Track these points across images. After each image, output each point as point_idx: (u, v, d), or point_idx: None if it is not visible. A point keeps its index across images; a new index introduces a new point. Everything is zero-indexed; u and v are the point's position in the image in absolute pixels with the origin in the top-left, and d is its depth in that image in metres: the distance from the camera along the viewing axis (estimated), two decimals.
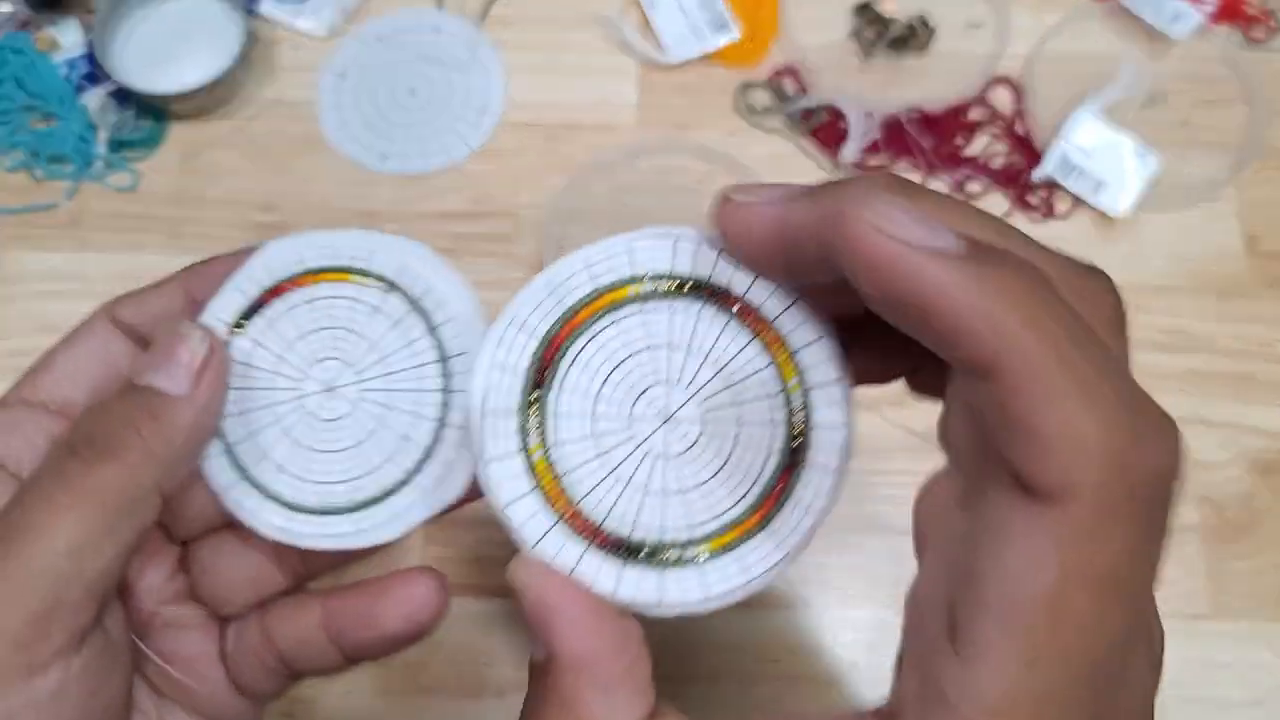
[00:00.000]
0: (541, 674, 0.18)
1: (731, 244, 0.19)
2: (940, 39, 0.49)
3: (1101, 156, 0.46)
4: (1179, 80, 0.48)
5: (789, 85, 0.49)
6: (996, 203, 0.46)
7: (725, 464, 0.19)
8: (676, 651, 0.39)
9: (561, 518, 0.19)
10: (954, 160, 0.47)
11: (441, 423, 0.22)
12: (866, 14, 0.49)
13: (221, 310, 0.23)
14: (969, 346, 0.15)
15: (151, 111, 0.47)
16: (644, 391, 0.20)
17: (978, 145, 0.47)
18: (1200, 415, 0.43)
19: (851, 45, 0.49)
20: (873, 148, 0.47)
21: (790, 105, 0.48)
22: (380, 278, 0.23)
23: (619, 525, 0.19)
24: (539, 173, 0.47)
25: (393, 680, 0.39)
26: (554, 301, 0.20)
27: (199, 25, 0.48)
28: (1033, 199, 0.46)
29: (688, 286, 0.20)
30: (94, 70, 0.47)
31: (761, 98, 0.48)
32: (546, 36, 0.49)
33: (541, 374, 0.20)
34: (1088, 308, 0.17)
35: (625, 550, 0.19)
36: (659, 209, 0.46)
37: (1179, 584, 0.40)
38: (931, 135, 0.47)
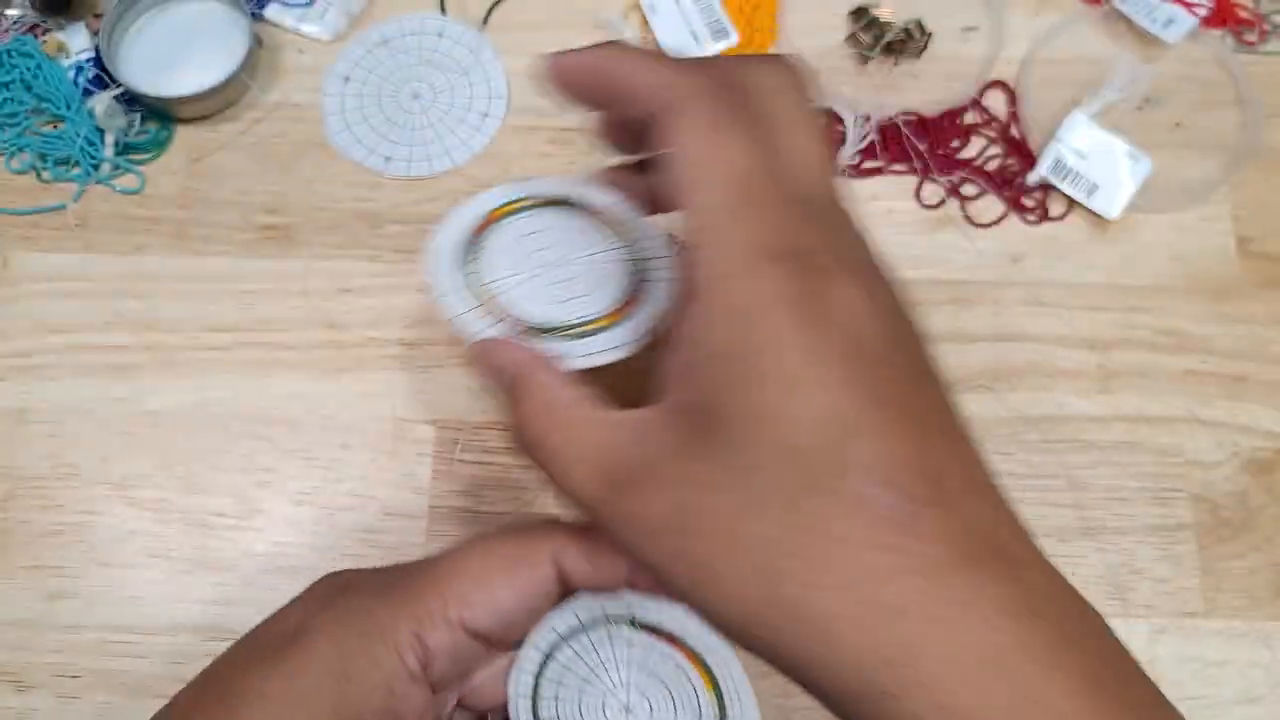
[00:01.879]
0: (520, 400, 0.26)
1: (554, 84, 0.27)
2: (936, 43, 0.50)
3: (1096, 159, 0.46)
4: (1172, 83, 0.49)
5: None
6: (992, 205, 0.47)
7: (598, 275, 0.29)
8: None
9: (498, 321, 0.28)
10: (950, 164, 0.47)
11: None
12: (863, 19, 0.50)
13: (559, 624, 0.29)
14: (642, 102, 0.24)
15: (158, 115, 0.48)
16: (534, 252, 0.30)
17: (973, 148, 0.48)
18: (1195, 415, 0.43)
19: (848, 50, 0.50)
20: (869, 151, 0.47)
21: None
22: (692, 650, 0.29)
23: (540, 320, 0.29)
24: (541, 175, 0.47)
25: None
26: (478, 210, 0.31)
27: (205, 30, 0.48)
28: (1028, 201, 0.47)
29: (558, 201, 0.31)
30: (101, 74, 0.47)
31: None
32: (548, 41, 0.50)
33: (475, 244, 0.30)
34: (758, 82, 0.24)
35: (543, 331, 0.29)
36: None
37: (1174, 582, 0.41)
38: (927, 139, 0.48)
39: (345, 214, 0.46)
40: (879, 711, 0.20)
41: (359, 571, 0.29)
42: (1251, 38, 0.50)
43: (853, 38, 0.50)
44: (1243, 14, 0.50)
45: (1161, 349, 0.44)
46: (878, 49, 0.49)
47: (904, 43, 0.49)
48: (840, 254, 0.23)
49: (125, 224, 0.46)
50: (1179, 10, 0.49)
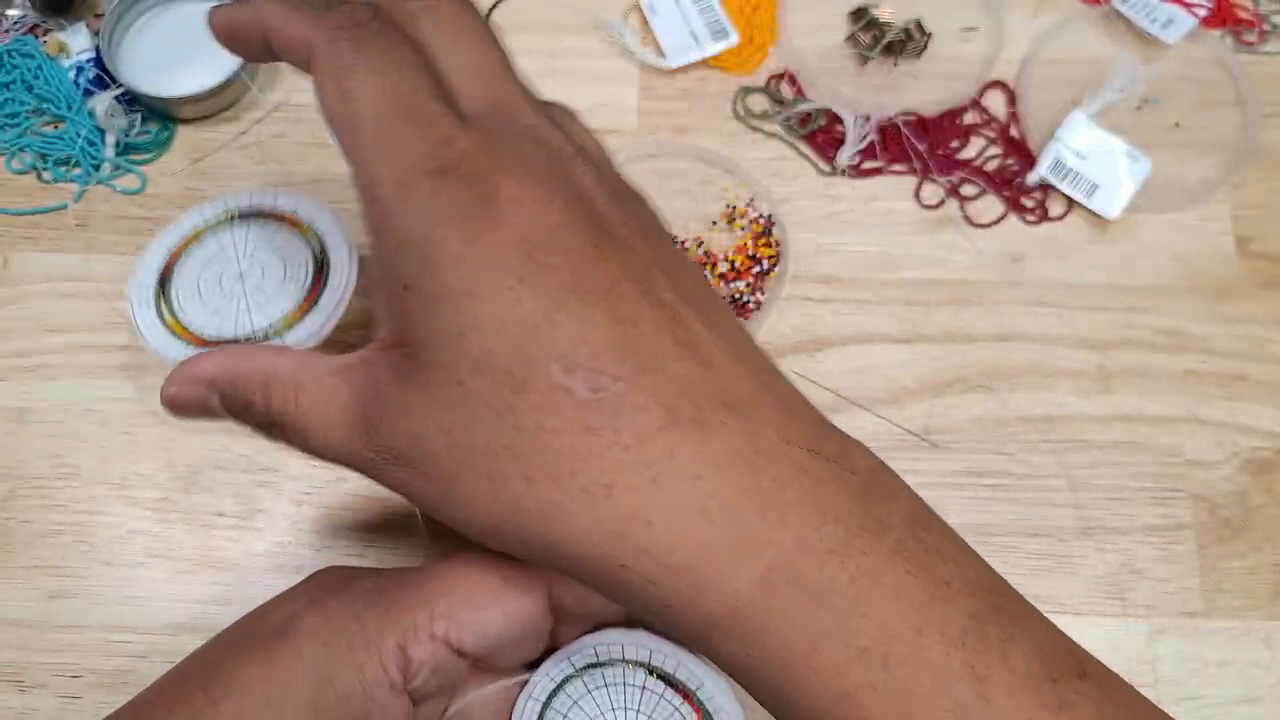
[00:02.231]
0: (248, 392, 0.26)
1: (219, 39, 0.28)
2: (936, 44, 0.50)
3: (1095, 159, 0.46)
4: (1172, 83, 0.49)
5: (786, 90, 0.49)
6: (992, 205, 0.47)
7: (284, 276, 0.31)
8: None
9: (191, 343, 0.30)
10: (949, 164, 0.48)
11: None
12: (862, 19, 0.50)
13: (566, 666, 0.28)
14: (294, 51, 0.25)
15: (159, 115, 0.48)
16: (221, 275, 0.32)
17: (973, 149, 0.48)
18: (1195, 415, 0.43)
19: (848, 50, 0.50)
20: (869, 151, 0.48)
21: (788, 110, 0.48)
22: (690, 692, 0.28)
23: (231, 335, 0.31)
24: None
25: None
26: (163, 249, 0.33)
27: (206, 30, 0.48)
28: (1028, 202, 0.47)
29: (239, 215, 0.33)
30: (102, 74, 0.48)
31: (759, 102, 0.49)
32: (547, 41, 0.50)
33: (164, 281, 0.32)
34: (405, 7, 0.25)
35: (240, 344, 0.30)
36: (658, 211, 0.46)
37: (1173, 582, 0.41)
38: (927, 139, 0.48)
39: (347, 215, 0.46)
40: (620, 585, 0.22)
41: (355, 570, 0.29)
42: (1251, 38, 0.50)
43: (852, 38, 0.50)
44: (1242, 14, 0.50)
45: (1161, 349, 0.45)
46: (877, 49, 0.49)
47: (904, 43, 0.49)
48: (502, 153, 0.23)
49: (126, 224, 0.46)
50: (1178, 10, 0.49)
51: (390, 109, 0.23)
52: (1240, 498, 0.42)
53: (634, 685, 0.28)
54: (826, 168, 0.48)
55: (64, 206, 0.46)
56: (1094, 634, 0.40)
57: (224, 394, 0.27)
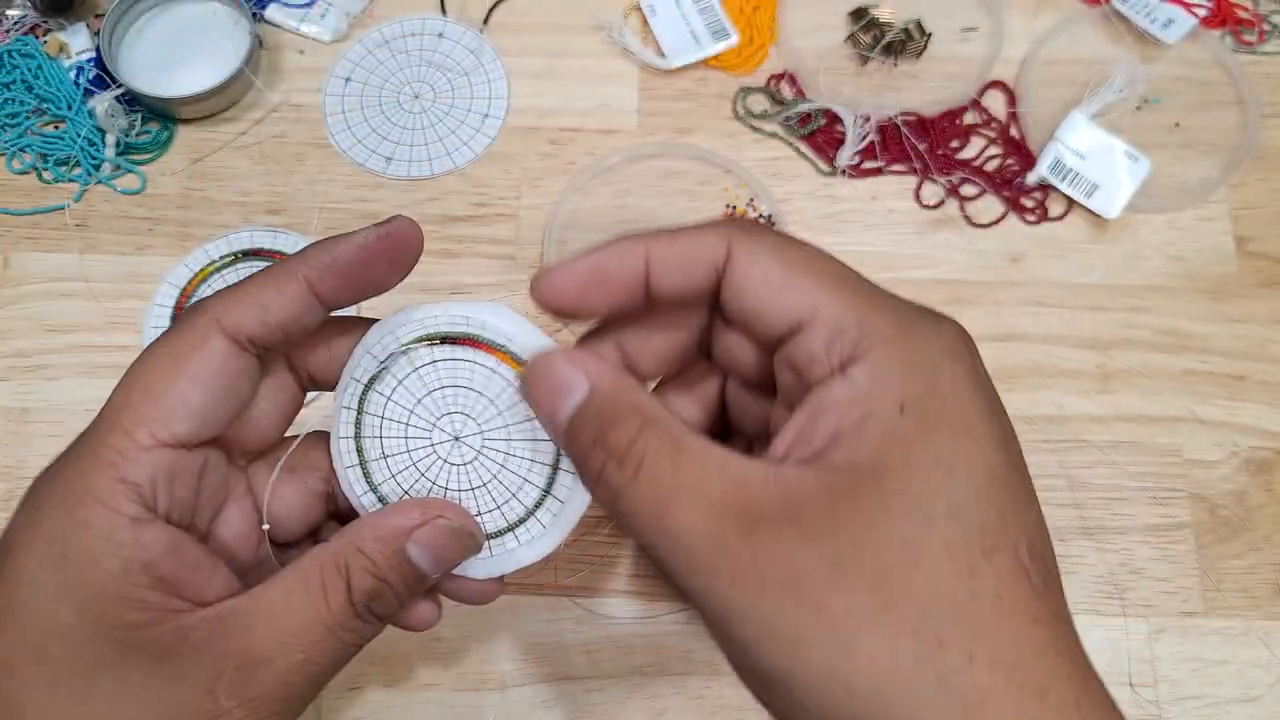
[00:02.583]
0: (636, 429, 0.22)
1: (554, 302, 0.24)
2: (935, 44, 0.50)
3: (1095, 159, 0.46)
4: (1171, 83, 0.49)
5: (786, 90, 0.49)
6: (992, 205, 0.47)
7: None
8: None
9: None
10: (949, 164, 0.48)
11: (555, 468, 0.27)
12: (862, 19, 0.50)
13: (358, 373, 0.27)
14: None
15: (159, 115, 0.48)
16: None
17: (972, 149, 0.48)
18: (1194, 414, 0.43)
19: (848, 50, 0.50)
20: (869, 151, 0.48)
21: (788, 110, 0.48)
22: (494, 345, 0.27)
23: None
24: (541, 176, 0.47)
25: (395, 675, 0.39)
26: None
27: (206, 30, 0.49)
28: (1027, 202, 0.47)
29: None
30: (102, 74, 0.48)
31: (759, 102, 0.49)
32: (548, 42, 0.50)
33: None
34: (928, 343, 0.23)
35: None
36: (658, 212, 0.47)
37: (1172, 581, 0.41)
38: (927, 139, 0.48)
39: (346, 215, 0.46)
40: None
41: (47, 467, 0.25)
42: (1250, 38, 0.50)
43: (852, 38, 0.50)
44: (1242, 14, 0.50)
45: (1161, 349, 0.45)
46: (877, 49, 0.49)
47: (903, 43, 0.49)
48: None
49: (126, 224, 0.46)
50: (1178, 10, 0.49)
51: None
52: (1239, 497, 0.42)
53: (425, 363, 0.26)
54: (826, 168, 0.48)
55: (64, 207, 0.46)
56: (1094, 634, 0.40)
57: (589, 405, 0.23)
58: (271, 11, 0.50)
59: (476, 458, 0.27)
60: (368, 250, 0.25)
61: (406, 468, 0.27)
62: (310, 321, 0.25)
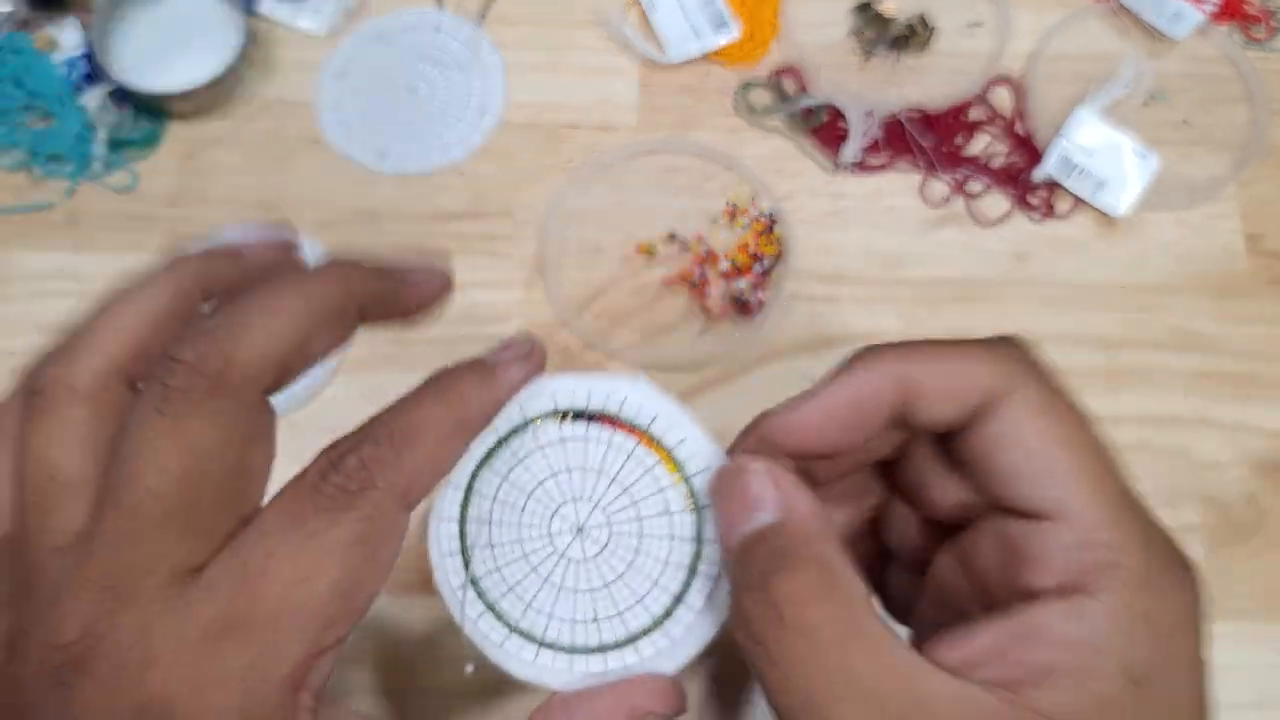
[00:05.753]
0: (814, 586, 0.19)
1: (794, 447, 0.21)
2: (940, 38, 0.49)
3: (1102, 156, 0.46)
4: (1180, 79, 0.48)
5: (789, 84, 0.48)
6: (997, 202, 0.46)
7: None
8: None
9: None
10: (954, 160, 0.47)
11: (693, 571, 0.23)
12: (867, 13, 0.49)
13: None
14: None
15: (150, 111, 0.47)
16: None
17: (978, 145, 0.47)
18: (1204, 415, 0.43)
19: (852, 44, 0.49)
20: (873, 147, 0.47)
21: (790, 104, 0.48)
22: (633, 425, 0.24)
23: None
24: (539, 172, 0.46)
25: (391, 679, 0.38)
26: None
27: (198, 25, 0.48)
28: (1033, 199, 0.46)
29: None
30: (93, 70, 0.47)
31: (761, 97, 0.48)
32: (546, 36, 0.49)
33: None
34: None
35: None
36: (659, 208, 0.46)
37: None
38: (932, 135, 0.47)
39: (341, 211, 0.46)
40: None
41: None
42: (1260, 33, 0.49)
43: (856, 32, 0.49)
44: (1251, 9, 0.49)
45: (1169, 348, 0.44)
46: (882, 44, 0.49)
47: (908, 38, 0.49)
48: None
49: (118, 221, 0.45)
50: (1187, 6, 0.48)
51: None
52: (1249, 499, 0.41)
53: (550, 438, 0.24)
54: (830, 164, 0.47)
55: (55, 204, 0.46)
56: None
57: (768, 536, 0.20)
58: (265, 5, 0.49)
59: (600, 553, 0.24)
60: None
61: (516, 560, 0.24)
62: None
